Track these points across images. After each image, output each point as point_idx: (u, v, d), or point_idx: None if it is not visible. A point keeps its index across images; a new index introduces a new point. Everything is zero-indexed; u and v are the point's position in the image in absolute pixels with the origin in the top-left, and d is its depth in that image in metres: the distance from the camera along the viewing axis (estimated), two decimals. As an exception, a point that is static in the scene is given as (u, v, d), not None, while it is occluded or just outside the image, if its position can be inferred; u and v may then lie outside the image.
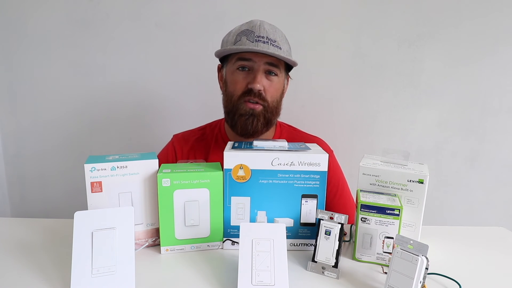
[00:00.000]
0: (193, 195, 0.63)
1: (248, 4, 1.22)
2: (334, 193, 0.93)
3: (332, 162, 0.95)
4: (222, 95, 0.91)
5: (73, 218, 0.53)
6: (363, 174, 0.67)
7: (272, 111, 0.85)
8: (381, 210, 0.60)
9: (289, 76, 0.92)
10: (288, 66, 0.88)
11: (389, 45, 1.24)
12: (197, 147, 0.96)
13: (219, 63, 0.92)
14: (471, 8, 1.19)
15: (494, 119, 1.26)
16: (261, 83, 0.81)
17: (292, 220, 0.66)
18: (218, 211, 0.65)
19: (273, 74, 0.83)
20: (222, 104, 0.91)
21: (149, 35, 1.26)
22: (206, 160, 0.93)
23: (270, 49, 0.78)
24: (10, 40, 1.27)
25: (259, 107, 0.83)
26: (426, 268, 0.50)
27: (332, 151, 0.98)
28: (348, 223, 0.63)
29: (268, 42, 0.79)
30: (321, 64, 1.26)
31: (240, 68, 0.83)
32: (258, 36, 0.79)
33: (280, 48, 0.80)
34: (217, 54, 0.86)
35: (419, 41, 1.22)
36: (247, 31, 0.80)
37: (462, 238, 0.74)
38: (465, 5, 1.19)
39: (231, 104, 0.85)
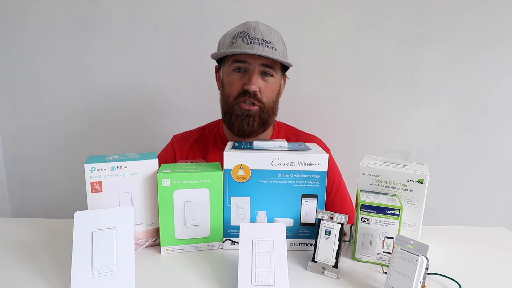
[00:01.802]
0: (193, 195, 0.63)
1: (248, 5, 1.22)
2: (329, 190, 0.92)
3: (329, 161, 0.95)
4: (220, 95, 0.92)
5: (73, 218, 0.53)
6: (363, 174, 0.67)
7: (268, 112, 0.86)
8: (381, 210, 0.60)
9: (286, 76, 0.92)
10: (285, 66, 0.89)
11: (389, 45, 1.24)
12: (196, 147, 0.96)
13: (216, 64, 0.93)
14: (470, 8, 1.19)
15: (494, 119, 1.26)
16: (256, 84, 0.82)
17: (292, 220, 0.66)
18: (218, 211, 0.65)
19: (269, 75, 0.84)
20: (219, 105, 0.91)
21: (149, 35, 1.26)
22: (205, 160, 0.93)
23: (265, 51, 0.79)
24: (10, 40, 1.27)
25: (255, 108, 0.83)
26: (426, 268, 0.50)
27: (329, 149, 0.98)
28: (348, 223, 0.63)
29: (263, 43, 0.79)
30: (321, 64, 1.26)
31: (236, 70, 0.84)
32: (253, 38, 0.79)
33: (275, 50, 0.81)
34: (213, 57, 0.87)
35: (419, 41, 1.22)
36: (242, 33, 0.81)
37: (462, 238, 0.74)
38: (465, 5, 1.19)
39: (227, 105, 0.86)
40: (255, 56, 0.80)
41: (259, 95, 0.83)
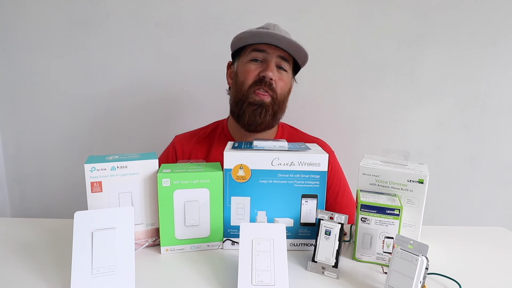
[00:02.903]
0: (193, 195, 0.63)
1: (248, 5, 1.22)
2: (336, 194, 0.93)
3: (334, 163, 0.96)
4: (230, 90, 0.92)
5: (73, 218, 0.53)
6: (363, 174, 0.67)
7: (279, 104, 0.87)
8: (381, 210, 0.60)
9: (295, 80, 0.93)
10: (295, 69, 0.91)
11: (389, 45, 1.24)
12: (198, 145, 0.97)
13: (230, 60, 0.94)
14: (471, 8, 1.19)
15: (494, 119, 1.26)
16: (274, 72, 0.83)
17: (292, 220, 0.66)
18: (218, 211, 0.65)
19: (283, 69, 0.86)
20: (228, 100, 0.92)
21: (149, 35, 1.26)
22: (208, 155, 0.93)
23: (285, 40, 0.81)
24: (10, 40, 1.27)
25: (268, 98, 0.84)
26: (426, 268, 0.50)
27: (334, 152, 0.98)
28: (348, 223, 0.63)
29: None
30: (321, 64, 1.26)
31: (253, 60, 0.85)
32: (273, 33, 0.81)
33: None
34: (234, 41, 0.87)
35: (419, 41, 1.22)
36: (262, 29, 0.83)
37: (462, 238, 0.74)
38: (465, 5, 1.19)
39: (240, 93, 0.86)
40: (273, 47, 0.83)
41: (274, 84, 0.84)
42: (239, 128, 0.90)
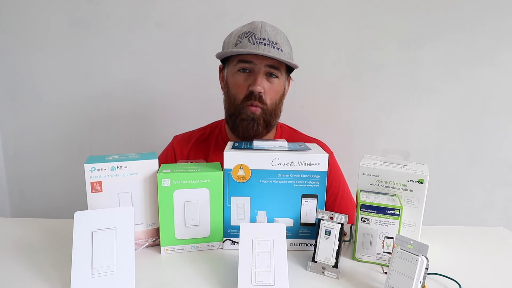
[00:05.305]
0: (193, 195, 0.64)
1: (248, 4, 1.22)
2: (335, 195, 0.93)
3: (333, 164, 0.96)
4: (223, 96, 0.91)
5: (73, 218, 0.53)
6: (363, 174, 0.67)
7: (271, 114, 0.85)
8: (381, 210, 0.60)
9: (291, 78, 0.92)
10: (289, 68, 0.88)
11: (389, 45, 1.24)
12: (197, 148, 0.96)
13: (221, 63, 0.92)
14: (471, 8, 1.19)
15: (494, 119, 1.26)
16: (262, 86, 0.81)
17: (292, 220, 0.66)
18: (218, 211, 0.65)
19: (274, 76, 0.83)
20: (223, 105, 0.91)
21: (149, 35, 1.26)
22: (206, 161, 0.93)
23: (271, 52, 0.78)
24: (10, 40, 1.28)
25: (258, 110, 0.83)
26: (426, 268, 0.50)
27: (333, 153, 0.98)
28: (348, 223, 0.63)
29: (269, 44, 0.78)
30: (321, 64, 1.26)
31: (241, 70, 0.83)
32: (260, 38, 0.78)
33: (281, 51, 0.80)
34: (218, 56, 0.86)
35: (419, 41, 1.22)
36: (248, 33, 0.80)
37: (462, 238, 0.74)
38: (465, 5, 1.19)
39: (233, 107, 0.85)
40: (260, 56, 0.79)
41: (263, 96, 0.82)
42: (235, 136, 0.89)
